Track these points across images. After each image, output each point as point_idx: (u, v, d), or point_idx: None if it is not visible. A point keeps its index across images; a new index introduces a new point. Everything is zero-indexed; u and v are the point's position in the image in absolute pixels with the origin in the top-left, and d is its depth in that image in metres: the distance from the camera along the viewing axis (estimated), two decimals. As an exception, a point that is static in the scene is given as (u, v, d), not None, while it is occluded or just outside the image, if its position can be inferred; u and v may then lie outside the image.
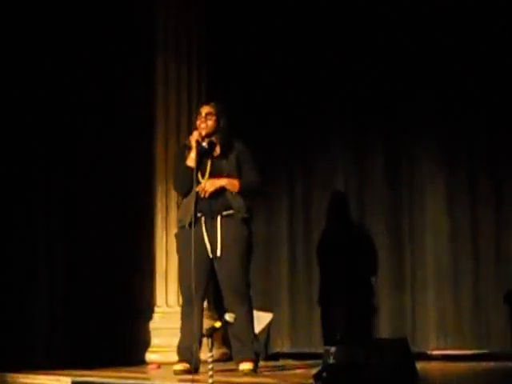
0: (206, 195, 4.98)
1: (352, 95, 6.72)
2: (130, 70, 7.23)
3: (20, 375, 5.39)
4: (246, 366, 4.85)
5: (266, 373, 4.97)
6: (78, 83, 7.29)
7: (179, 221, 5.19)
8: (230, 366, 5.08)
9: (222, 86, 6.82)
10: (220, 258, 4.98)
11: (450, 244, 6.20)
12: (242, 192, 5.06)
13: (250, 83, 7.07)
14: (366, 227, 6.69)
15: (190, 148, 5.10)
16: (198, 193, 5.01)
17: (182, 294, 5.28)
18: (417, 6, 6.38)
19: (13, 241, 7.26)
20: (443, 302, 6.17)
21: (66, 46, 7.23)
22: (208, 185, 5.00)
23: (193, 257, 4.90)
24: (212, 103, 5.24)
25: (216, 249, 4.98)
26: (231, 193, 5.04)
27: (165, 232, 6.54)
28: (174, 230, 5.38)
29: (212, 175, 5.07)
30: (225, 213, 5.02)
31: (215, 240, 4.99)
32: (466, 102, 6.19)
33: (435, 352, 6.05)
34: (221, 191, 5.03)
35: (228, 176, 5.07)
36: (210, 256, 5.00)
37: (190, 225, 5.01)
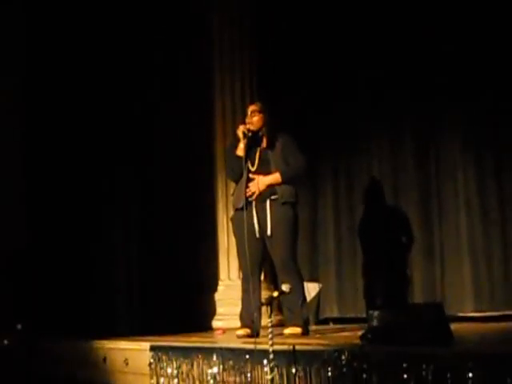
0: (254, 197, 4.93)
1: (384, 94, 6.61)
2: (190, 75, 7.30)
3: (106, 341, 5.46)
4: (294, 330, 4.80)
5: (317, 335, 4.93)
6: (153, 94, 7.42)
7: (234, 205, 5.16)
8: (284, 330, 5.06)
9: (269, 85, 6.81)
10: (270, 236, 4.92)
11: (479, 215, 6.07)
12: (287, 180, 4.97)
13: (294, 84, 7.04)
14: (400, 206, 6.61)
15: (238, 140, 5.06)
16: (248, 178, 4.97)
17: (241, 269, 5.26)
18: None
19: (94, 228, 7.37)
20: (475, 268, 6.06)
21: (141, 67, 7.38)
22: (254, 187, 4.93)
23: (252, 237, 4.90)
24: (257, 102, 5.27)
25: (266, 229, 4.92)
26: None
27: (225, 215, 6.56)
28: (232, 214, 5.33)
29: (260, 165, 5.01)
30: (272, 197, 4.94)
31: (265, 221, 4.92)
32: (490, 93, 5.98)
33: (466, 314, 5.94)
34: None
35: (275, 166, 4.99)
36: (257, 235, 4.93)
37: (242, 208, 4.97)
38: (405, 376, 3.04)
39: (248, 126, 5.04)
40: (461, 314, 5.89)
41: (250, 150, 5.03)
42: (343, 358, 3.35)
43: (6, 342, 6.40)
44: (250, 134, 5.03)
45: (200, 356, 4.28)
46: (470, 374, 2.80)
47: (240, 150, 5.03)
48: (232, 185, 5.42)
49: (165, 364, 4.58)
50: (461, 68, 6.09)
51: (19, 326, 6.54)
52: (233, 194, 5.23)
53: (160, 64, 7.60)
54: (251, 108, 5.13)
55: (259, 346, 3.83)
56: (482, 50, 5.94)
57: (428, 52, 6.27)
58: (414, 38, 6.34)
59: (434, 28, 6.21)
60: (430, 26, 6.23)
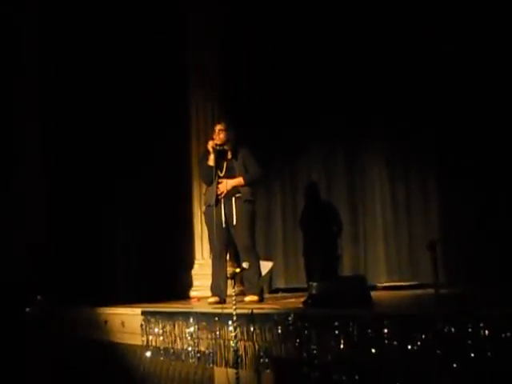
0: (223, 195, 4.90)
1: (321, 119, 6.59)
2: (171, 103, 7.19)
3: (106, 308, 5.36)
4: (252, 298, 4.80)
5: (270, 301, 4.91)
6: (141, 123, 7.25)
7: (205, 202, 5.09)
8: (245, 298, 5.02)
9: (234, 109, 6.71)
10: (235, 225, 4.89)
11: (391, 209, 6.14)
12: (247, 184, 4.96)
13: (253, 110, 6.92)
14: (332, 203, 6.63)
15: (209, 153, 5.01)
16: (218, 182, 4.93)
17: (211, 251, 5.21)
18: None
19: (98, 221, 7.22)
20: (388, 249, 6.12)
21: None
22: (222, 188, 4.90)
23: (221, 226, 4.87)
24: (222, 122, 5.13)
25: (232, 220, 4.89)
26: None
27: (199, 209, 6.48)
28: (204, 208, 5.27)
29: (227, 172, 4.97)
30: (237, 195, 4.92)
31: (231, 214, 4.89)
32: (399, 122, 6.03)
33: (381, 284, 5.98)
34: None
35: (239, 172, 4.96)
36: (224, 225, 4.89)
37: (214, 204, 4.93)
38: (336, 332, 3.04)
39: (216, 141, 4.99)
40: (378, 284, 5.93)
41: (218, 160, 4.99)
42: (290, 318, 3.34)
43: (28, 309, 6.27)
44: (218, 148, 4.98)
45: (180, 319, 4.24)
46: (386, 330, 2.81)
47: (211, 161, 4.98)
48: (203, 186, 5.34)
49: (153, 325, 4.52)
50: (380, 106, 6.12)
51: (39, 297, 6.40)
52: (205, 194, 5.17)
53: (149, 92, 7.41)
54: (218, 127, 5.05)
55: (225, 311, 3.80)
56: (396, 88, 5.98)
57: (356, 91, 6.29)
58: (344, 83, 6.36)
59: (363, 71, 6.22)
60: (361, 69, 6.23)
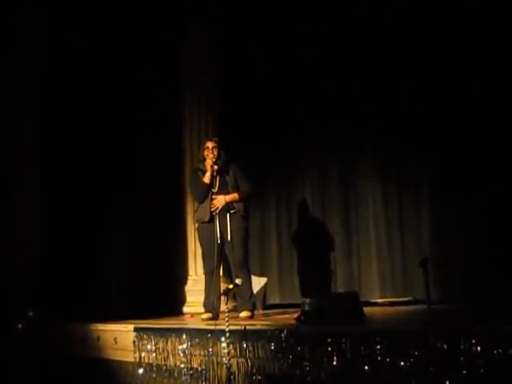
0: (217, 211, 4.89)
1: (315, 136, 6.61)
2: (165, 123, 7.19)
3: (98, 324, 5.32)
4: (245, 313, 4.79)
5: (263, 317, 4.88)
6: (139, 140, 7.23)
7: (199, 219, 5.06)
8: (238, 314, 4.99)
9: (228, 128, 6.73)
10: (230, 241, 4.88)
11: (384, 226, 6.13)
12: (242, 199, 4.96)
13: (248, 131, 6.93)
14: (327, 220, 6.62)
15: (203, 170, 4.99)
16: (212, 198, 4.92)
17: (204, 267, 5.19)
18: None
19: (93, 238, 7.17)
20: (381, 265, 6.11)
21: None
22: (217, 203, 4.90)
23: (216, 242, 4.86)
24: (214, 139, 5.13)
25: (227, 235, 4.88)
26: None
27: (193, 225, 6.48)
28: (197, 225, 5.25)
29: (220, 188, 4.96)
30: (231, 211, 4.93)
31: (226, 229, 4.88)
32: (393, 136, 6.05)
33: (374, 300, 5.96)
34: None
35: (231, 188, 4.96)
36: (219, 241, 4.88)
37: (208, 221, 4.92)
38: (329, 348, 3.03)
39: (211, 159, 4.98)
40: (371, 300, 5.91)
41: (212, 177, 4.99)
42: (283, 335, 3.33)
43: (20, 326, 6.21)
44: (216, 167, 4.97)
45: (173, 335, 4.21)
46: (378, 346, 2.80)
47: (206, 178, 4.96)
48: (196, 204, 5.32)
49: (145, 342, 4.49)
50: (374, 125, 6.13)
51: (30, 313, 6.34)
52: (196, 210, 5.15)
53: (147, 107, 7.40)
54: (211, 144, 5.03)
55: (218, 327, 3.78)
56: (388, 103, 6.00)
57: (349, 109, 6.29)
58: (338, 102, 6.36)
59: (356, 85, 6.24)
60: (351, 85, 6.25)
